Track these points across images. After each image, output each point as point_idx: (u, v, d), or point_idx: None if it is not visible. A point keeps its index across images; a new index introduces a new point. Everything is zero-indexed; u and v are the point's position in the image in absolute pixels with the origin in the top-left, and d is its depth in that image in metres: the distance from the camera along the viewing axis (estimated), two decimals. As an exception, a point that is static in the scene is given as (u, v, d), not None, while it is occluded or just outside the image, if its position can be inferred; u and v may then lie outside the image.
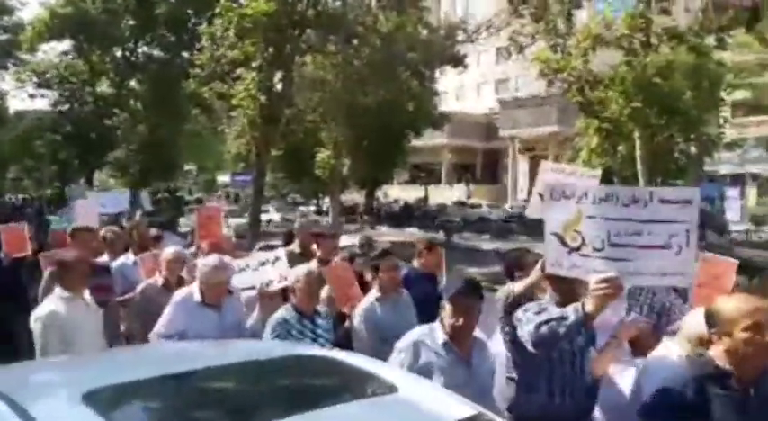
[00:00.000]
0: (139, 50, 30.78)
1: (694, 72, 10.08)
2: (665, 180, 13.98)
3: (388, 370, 2.21)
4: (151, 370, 2.00)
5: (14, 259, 5.31)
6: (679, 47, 10.54)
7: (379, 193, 36.30)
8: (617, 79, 10.49)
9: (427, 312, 3.65)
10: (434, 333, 2.86)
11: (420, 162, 41.55)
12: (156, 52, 30.35)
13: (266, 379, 2.12)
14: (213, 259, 3.72)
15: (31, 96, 32.68)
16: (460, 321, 2.77)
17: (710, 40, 10.55)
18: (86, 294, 3.76)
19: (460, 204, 34.59)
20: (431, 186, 40.19)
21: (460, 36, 22.31)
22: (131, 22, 29.44)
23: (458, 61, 23.61)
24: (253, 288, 4.01)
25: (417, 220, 29.13)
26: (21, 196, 38.71)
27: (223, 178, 43.64)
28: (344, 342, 3.70)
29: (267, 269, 4.15)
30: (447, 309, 2.83)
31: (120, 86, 30.20)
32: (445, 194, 39.22)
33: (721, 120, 11.51)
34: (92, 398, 1.58)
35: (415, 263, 4.63)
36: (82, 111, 30.98)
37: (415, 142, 30.47)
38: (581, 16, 12.94)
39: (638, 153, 10.66)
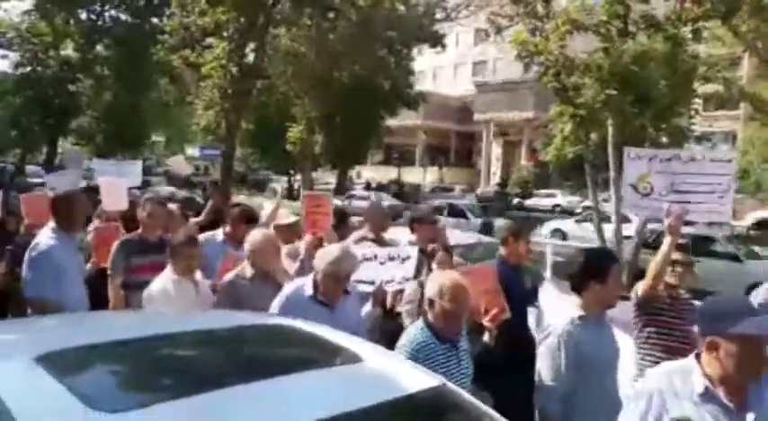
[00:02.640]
0: (106, 14, 29.71)
1: (669, 62, 10.05)
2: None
3: (353, 341, 2.21)
4: (107, 335, 2.00)
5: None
6: (656, 35, 10.48)
7: (352, 173, 36.01)
8: (593, 65, 10.40)
9: (521, 310, 3.54)
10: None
11: (394, 142, 41.33)
12: (124, 16, 29.31)
13: (226, 347, 2.11)
14: (337, 249, 3.18)
15: (-8, 57, 31.27)
16: None
17: (686, 31, 10.52)
18: (198, 275, 3.58)
19: (440, 189, 34.56)
20: (404, 168, 40.03)
21: (439, 14, 22.00)
22: (98, -16, 28.39)
23: (436, 40, 23.34)
24: (371, 283, 3.45)
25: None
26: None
27: (191, 151, 42.74)
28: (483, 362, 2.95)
29: (393, 265, 3.59)
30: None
31: (85, 50, 29.11)
32: (418, 177, 39.15)
33: (692, 113, 11.56)
34: (45, 361, 1.61)
35: (502, 251, 4.00)
36: (45, 75, 29.77)
37: (390, 122, 30.20)
38: (559, 1, 12.79)
39: (609, 140, 10.64)
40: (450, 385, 2.07)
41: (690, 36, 10.80)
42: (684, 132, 11.35)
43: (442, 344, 2.70)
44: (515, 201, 31.67)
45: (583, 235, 14.89)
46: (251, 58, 17.51)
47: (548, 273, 7.13)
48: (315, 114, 20.19)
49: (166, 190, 19.29)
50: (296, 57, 18.26)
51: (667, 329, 3.33)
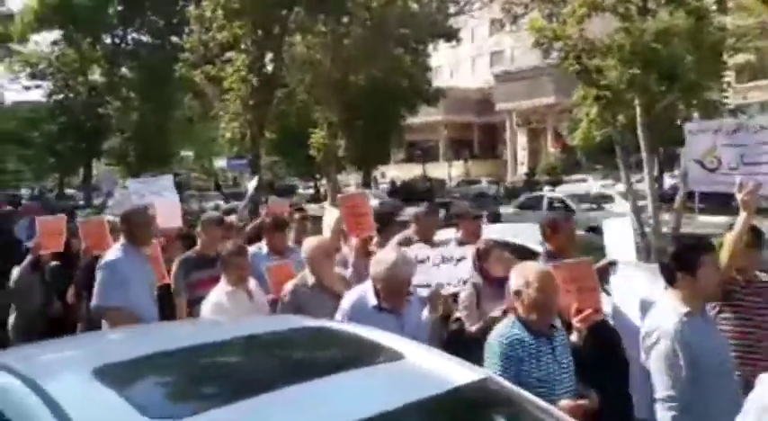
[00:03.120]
0: (129, 36, 30.44)
1: (694, 36, 9.81)
2: (668, 148, 13.77)
3: (393, 338, 2.21)
4: (159, 346, 2.07)
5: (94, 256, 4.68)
6: (677, 11, 10.24)
7: (376, 173, 36.05)
8: (614, 46, 10.21)
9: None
10: None
11: (417, 140, 41.26)
12: (146, 38, 29.99)
13: (271, 351, 2.19)
14: (393, 254, 3.07)
15: (26, 88, 32.46)
16: None
17: (710, 3, 10.25)
18: (251, 285, 3.64)
19: (465, 183, 34.33)
20: (428, 164, 39.93)
21: (452, 8, 21.87)
22: (119, 8, 29.06)
23: (451, 35, 23.21)
24: (427, 286, 3.28)
25: (419, 199, 28.90)
26: (22, 189, 38.59)
27: (219, 163, 43.42)
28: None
29: (447, 268, 3.42)
30: None
31: (111, 74, 29.91)
32: (443, 172, 39.00)
33: (724, 86, 11.22)
34: (101, 374, 1.69)
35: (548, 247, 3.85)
36: (76, 101, 30.73)
37: (411, 120, 30.14)
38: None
39: (638, 121, 10.42)
40: (496, 378, 2.04)
41: (714, 8, 10.53)
42: (717, 106, 11.05)
43: (536, 338, 2.56)
44: (545, 188, 31.28)
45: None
46: (270, 68, 17.73)
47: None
48: (335, 119, 20.32)
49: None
50: (312, 64, 18.41)
51: (747, 313, 3.05)
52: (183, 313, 4.05)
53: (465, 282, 3.45)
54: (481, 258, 3.66)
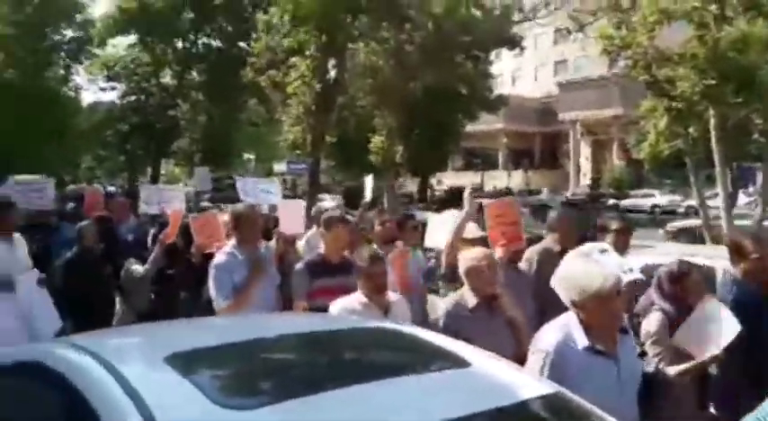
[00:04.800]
0: (199, 41, 31.71)
1: (775, 45, 9.30)
2: (742, 163, 13.08)
3: (460, 345, 2.15)
4: (224, 337, 2.11)
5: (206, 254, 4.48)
6: (757, 19, 9.74)
7: (432, 181, 35.95)
8: (687, 55, 9.81)
9: None
10: None
11: (475, 147, 40.87)
12: (216, 43, 31.18)
13: (336, 349, 2.16)
14: (585, 267, 2.45)
15: (102, 89, 34.40)
16: None
17: (793, 10, 9.70)
18: (392, 295, 3.29)
19: (526, 192, 33.76)
20: (487, 172, 39.47)
21: (516, 17, 21.60)
22: (191, 15, 30.34)
23: (514, 43, 22.91)
24: None
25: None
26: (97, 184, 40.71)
27: (279, 167, 44.47)
28: None
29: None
30: None
31: (182, 77, 31.23)
32: (503, 181, 38.45)
33: (805, 97, 10.59)
34: (173, 360, 1.75)
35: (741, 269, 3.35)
36: (148, 103, 32.25)
37: (470, 127, 29.91)
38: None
39: (712, 134, 9.94)
40: (567, 393, 1.87)
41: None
42: (797, 119, 10.44)
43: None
44: (610, 201, 30.31)
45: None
46: (332, 74, 18.05)
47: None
48: (395, 124, 20.45)
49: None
50: (374, 70, 18.61)
51: None
52: None
53: (630, 272, 2.76)
54: (675, 281, 3.06)
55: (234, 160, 34.82)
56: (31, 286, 3.52)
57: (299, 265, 3.77)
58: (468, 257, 2.96)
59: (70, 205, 7.79)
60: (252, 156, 45.75)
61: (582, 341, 2.21)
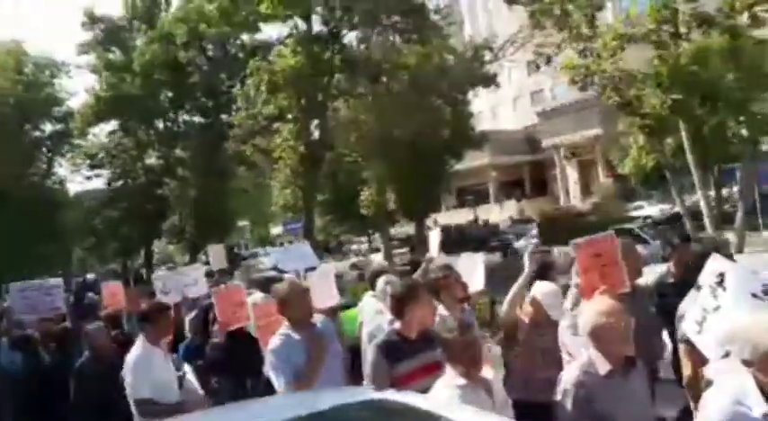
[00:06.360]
0: (180, 119, 32.28)
1: (732, 54, 9.71)
2: (721, 166, 13.37)
3: (466, 413, 2.16)
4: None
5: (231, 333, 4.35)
6: (711, 31, 10.21)
7: (428, 222, 36.10)
8: (651, 74, 10.22)
9: None
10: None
11: (466, 185, 41.28)
12: (196, 119, 31.74)
13: None
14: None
15: (87, 178, 34.33)
16: None
17: (743, 19, 10.17)
18: (488, 372, 2.80)
19: (520, 222, 33.91)
20: (480, 207, 39.74)
21: (487, 56, 22.32)
22: (169, 94, 30.99)
23: (489, 81, 23.57)
24: None
25: (471, 243, 28.69)
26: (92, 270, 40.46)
27: (275, 230, 44.55)
28: None
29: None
30: None
31: (166, 156, 31.55)
32: (496, 214, 38.70)
33: (771, 97, 10.96)
34: None
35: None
36: (134, 186, 32.41)
37: (458, 166, 30.27)
38: (605, 17, 12.75)
39: (686, 145, 10.26)
40: None
41: (747, 23, 10.43)
42: (766, 120, 10.77)
43: None
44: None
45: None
46: (316, 134, 18.50)
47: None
48: (383, 175, 20.78)
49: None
50: (357, 124, 19.08)
51: None
52: None
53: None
54: None
55: (229, 229, 34.79)
56: None
57: (372, 349, 3.18)
58: (594, 312, 2.41)
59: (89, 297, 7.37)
60: (246, 223, 45.87)
61: (760, 406, 1.86)
